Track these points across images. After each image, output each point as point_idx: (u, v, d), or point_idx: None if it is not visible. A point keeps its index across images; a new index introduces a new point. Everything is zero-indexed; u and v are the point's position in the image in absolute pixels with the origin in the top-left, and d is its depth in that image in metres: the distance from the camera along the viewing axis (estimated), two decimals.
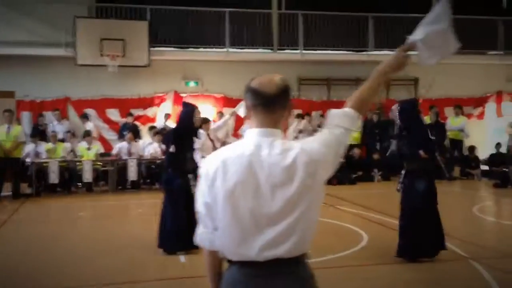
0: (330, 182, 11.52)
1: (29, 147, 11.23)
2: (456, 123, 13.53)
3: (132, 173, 11.29)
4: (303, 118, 13.06)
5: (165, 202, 5.92)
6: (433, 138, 6.02)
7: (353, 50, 14.44)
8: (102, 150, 12.66)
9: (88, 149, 11.68)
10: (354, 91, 2.00)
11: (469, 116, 14.52)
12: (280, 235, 1.74)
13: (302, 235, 1.77)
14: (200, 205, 1.85)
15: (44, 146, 11.51)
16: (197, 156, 6.20)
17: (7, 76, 12.76)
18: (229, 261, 1.83)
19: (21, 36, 12.39)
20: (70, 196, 10.99)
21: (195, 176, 5.68)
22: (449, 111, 14.16)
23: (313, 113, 13.81)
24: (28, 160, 11.04)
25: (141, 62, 12.98)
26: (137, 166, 11.38)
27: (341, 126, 1.87)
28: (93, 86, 13.20)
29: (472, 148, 13.48)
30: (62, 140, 12.06)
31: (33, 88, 12.94)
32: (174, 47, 13.65)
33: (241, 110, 9.17)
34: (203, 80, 13.98)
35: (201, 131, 10.43)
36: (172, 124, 11.83)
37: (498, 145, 13.37)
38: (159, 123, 13.27)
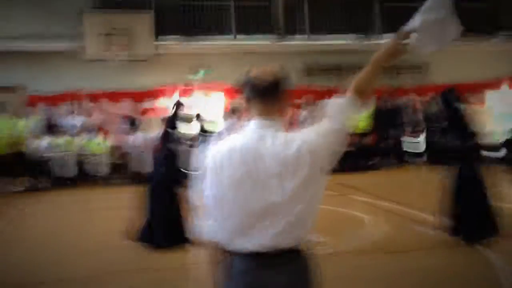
0: (341, 170, 11.61)
1: (44, 141, 11.35)
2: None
3: (146, 166, 11.34)
4: (306, 105, 12.95)
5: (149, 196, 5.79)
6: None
7: (360, 35, 14.31)
8: (113, 143, 12.75)
9: (99, 143, 11.77)
10: (353, 79, 2.00)
11: (473, 103, 14.29)
12: (285, 226, 1.76)
13: (305, 225, 1.80)
14: (207, 197, 1.86)
15: (59, 140, 11.62)
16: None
17: (16, 71, 12.86)
18: (232, 252, 1.83)
19: (27, 30, 12.41)
20: (85, 189, 11.09)
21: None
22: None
23: (320, 102, 13.74)
24: (44, 154, 11.14)
25: (148, 54, 12.98)
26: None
27: (341, 115, 1.88)
28: (100, 79, 13.25)
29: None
30: (77, 134, 12.18)
31: (41, 83, 13.01)
32: (180, 38, 13.64)
33: None
34: (211, 70, 13.98)
35: (230, 120, 10.42)
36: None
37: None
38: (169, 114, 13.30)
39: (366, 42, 13.95)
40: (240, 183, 1.78)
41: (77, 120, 12.77)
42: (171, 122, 6.01)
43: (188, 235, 5.60)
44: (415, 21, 2.01)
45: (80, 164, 11.48)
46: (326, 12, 14.01)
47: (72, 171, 10.98)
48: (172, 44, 13.53)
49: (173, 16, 13.47)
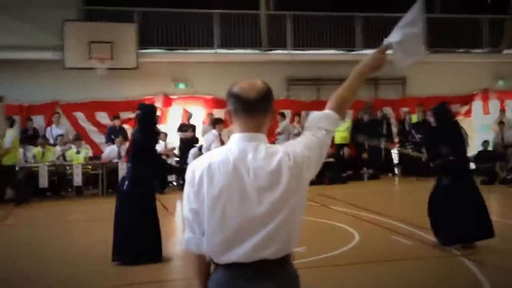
0: (321, 181, 11.77)
1: (21, 152, 11.11)
2: None
3: (121, 177, 11.22)
4: (284, 117, 13.06)
5: (122, 208, 5.63)
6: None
7: (342, 50, 14.52)
8: (91, 154, 12.60)
9: (78, 152, 11.64)
10: (334, 92, 2.04)
11: (456, 114, 14.65)
12: (267, 237, 1.77)
13: (288, 236, 1.81)
14: (186, 211, 1.87)
15: (33, 151, 11.44)
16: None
17: None
18: (216, 264, 1.85)
19: (10, 40, 12.29)
20: (60, 200, 10.92)
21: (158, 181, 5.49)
22: None
23: (302, 113, 13.83)
24: (21, 165, 10.93)
25: (130, 65, 12.95)
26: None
27: (322, 128, 1.91)
28: (81, 90, 13.14)
29: None
30: (54, 145, 12.01)
31: (21, 92, 12.84)
32: (163, 49, 13.65)
33: None
34: (193, 82, 13.98)
35: (213, 131, 10.31)
36: (161, 126, 11.81)
37: (485, 142, 13.54)
38: None
39: (347, 54, 14.15)
40: (220, 198, 1.78)
41: (56, 130, 12.59)
42: (150, 134, 5.87)
43: (159, 250, 5.54)
44: (395, 35, 2.07)
45: (56, 174, 11.29)
46: (309, 27, 14.16)
47: (48, 181, 10.77)
48: (155, 54, 13.50)
49: (156, 27, 13.45)
